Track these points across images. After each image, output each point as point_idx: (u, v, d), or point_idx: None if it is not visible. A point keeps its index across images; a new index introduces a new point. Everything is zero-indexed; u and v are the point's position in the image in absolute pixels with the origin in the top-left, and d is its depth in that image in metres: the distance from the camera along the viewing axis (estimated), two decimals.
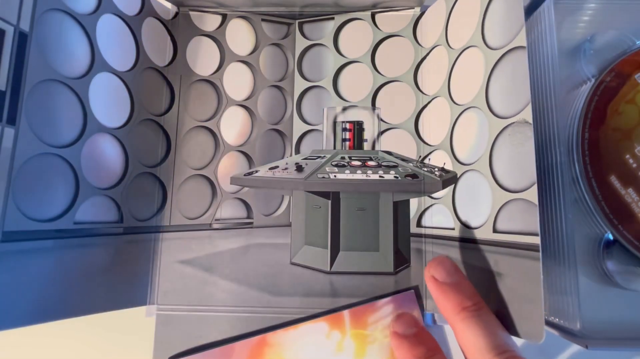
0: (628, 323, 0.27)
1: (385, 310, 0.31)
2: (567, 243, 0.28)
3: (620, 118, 0.29)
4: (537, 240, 0.24)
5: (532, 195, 0.25)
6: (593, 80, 0.29)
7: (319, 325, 0.31)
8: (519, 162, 0.27)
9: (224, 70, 0.36)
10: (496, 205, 0.29)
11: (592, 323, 0.27)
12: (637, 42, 0.29)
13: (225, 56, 0.36)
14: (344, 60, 0.36)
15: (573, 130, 0.29)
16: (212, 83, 0.36)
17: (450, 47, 0.34)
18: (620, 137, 0.28)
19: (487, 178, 0.30)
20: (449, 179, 0.32)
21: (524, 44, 0.27)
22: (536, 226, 0.25)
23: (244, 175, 0.35)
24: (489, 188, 0.29)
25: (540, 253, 0.24)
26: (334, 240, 0.34)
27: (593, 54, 0.30)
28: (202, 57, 0.36)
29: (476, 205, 0.30)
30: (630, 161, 0.28)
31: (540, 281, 0.23)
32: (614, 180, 0.28)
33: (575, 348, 0.27)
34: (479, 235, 0.30)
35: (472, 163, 0.31)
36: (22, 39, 0.26)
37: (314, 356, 0.30)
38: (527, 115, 0.26)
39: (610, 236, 0.28)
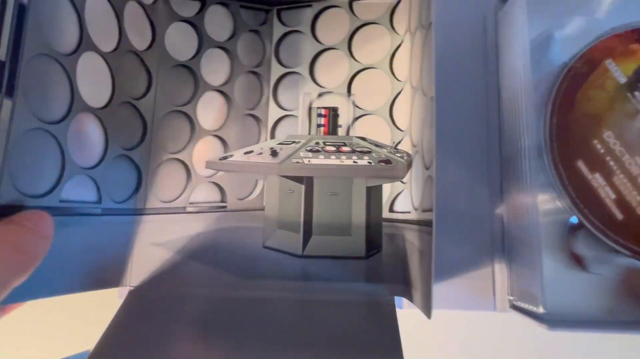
0: (592, 306, 0.27)
1: None
2: (533, 228, 0.28)
3: (589, 104, 0.29)
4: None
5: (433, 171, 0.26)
6: (563, 66, 0.29)
7: None
8: (429, 140, 0.28)
9: (201, 55, 0.36)
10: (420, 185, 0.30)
11: (556, 307, 0.27)
12: (608, 28, 0.29)
13: (203, 42, 0.36)
14: (321, 47, 0.36)
15: (542, 116, 0.29)
16: (190, 69, 0.36)
17: (410, 32, 0.34)
18: (589, 122, 0.28)
19: (420, 159, 0.31)
20: (410, 163, 0.33)
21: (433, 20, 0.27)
22: (431, 203, 0.25)
23: (219, 159, 0.35)
24: (420, 168, 0.30)
25: (434, 229, 0.24)
26: (306, 224, 0.34)
27: (563, 40, 0.30)
28: (181, 43, 0.36)
29: (414, 186, 0.31)
30: (598, 146, 0.28)
31: (432, 257, 0.24)
32: (581, 165, 0.28)
33: (542, 331, 0.27)
34: (415, 216, 0.31)
35: (417, 145, 0.32)
36: (21, 11, 0.26)
37: None
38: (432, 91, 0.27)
39: (576, 221, 0.28)
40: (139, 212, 0.34)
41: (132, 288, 0.33)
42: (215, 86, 0.36)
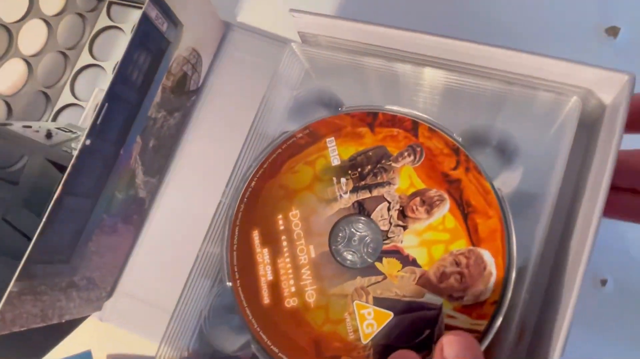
0: None
1: None
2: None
3: (292, 177, 0.27)
4: None
5: None
6: (283, 133, 0.28)
7: None
8: None
9: (24, 22, 0.37)
10: None
11: None
12: (342, 108, 0.28)
13: (31, 10, 0.37)
14: None
15: (246, 176, 0.28)
16: (8, 30, 0.37)
17: None
18: (283, 195, 0.27)
19: None
20: None
21: None
22: None
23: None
24: None
25: None
26: None
27: (298, 108, 0.29)
28: (9, 6, 0.37)
29: None
30: (280, 222, 0.27)
31: None
32: (255, 235, 0.27)
33: None
34: None
35: None
36: None
37: None
38: None
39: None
40: None
41: None
42: (24, 55, 0.37)
